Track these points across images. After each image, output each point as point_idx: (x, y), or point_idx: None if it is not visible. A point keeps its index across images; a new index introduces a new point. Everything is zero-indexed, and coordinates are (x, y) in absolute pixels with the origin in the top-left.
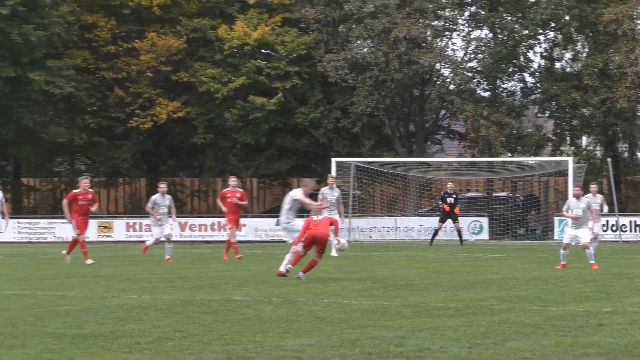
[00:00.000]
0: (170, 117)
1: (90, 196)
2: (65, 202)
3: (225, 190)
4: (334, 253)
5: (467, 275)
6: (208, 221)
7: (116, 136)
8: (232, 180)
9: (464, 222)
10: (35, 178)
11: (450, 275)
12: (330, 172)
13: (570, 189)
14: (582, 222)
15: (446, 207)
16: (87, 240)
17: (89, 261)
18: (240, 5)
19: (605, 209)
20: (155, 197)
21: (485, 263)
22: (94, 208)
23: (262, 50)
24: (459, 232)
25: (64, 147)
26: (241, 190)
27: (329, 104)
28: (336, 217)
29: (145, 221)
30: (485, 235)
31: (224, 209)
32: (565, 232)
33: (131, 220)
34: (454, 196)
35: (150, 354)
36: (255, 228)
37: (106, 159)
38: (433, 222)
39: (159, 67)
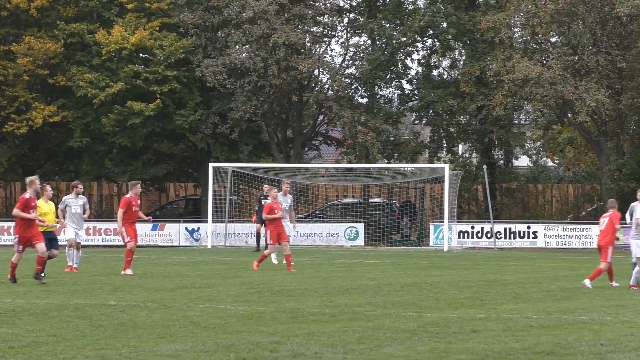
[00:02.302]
0: (46, 121)
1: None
2: (120, 211)
3: (269, 202)
4: (274, 260)
5: (342, 281)
6: (84, 225)
7: None
8: (274, 190)
9: (340, 227)
10: None
11: (325, 281)
12: (208, 177)
13: (447, 196)
14: None
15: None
16: None
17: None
18: (118, 10)
19: None
20: (67, 197)
21: (361, 269)
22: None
23: (140, 55)
24: (260, 235)
25: None
26: (278, 202)
27: (207, 109)
28: (287, 224)
29: None
30: (361, 242)
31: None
32: (632, 246)
33: (5, 224)
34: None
35: (24, 358)
36: None
37: None
38: (309, 227)
39: (36, 70)
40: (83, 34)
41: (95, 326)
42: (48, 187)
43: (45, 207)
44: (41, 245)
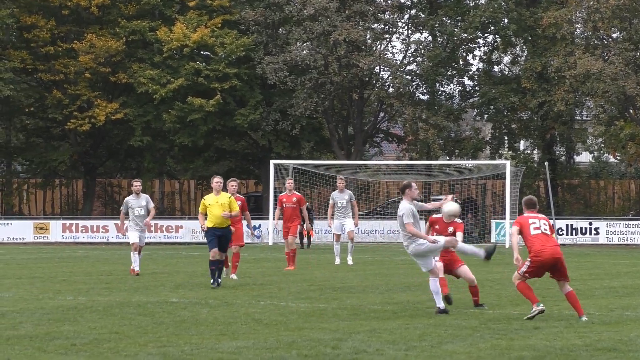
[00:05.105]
0: (108, 118)
1: (294, 199)
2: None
3: (281, 194)
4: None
5: (404, 277)
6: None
7: (54, 137)
8: (290, 182)
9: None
10: None
11: (387, 277)
12: (269, 174)
13: (508, 192)
14: None
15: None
16: (24, 240)
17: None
18: (179, 7)
19: None
20: (128, 198)
21: None
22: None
23: (201, 52)
24: (301, 234)
25: (0, 147)
26: (298, 194)
27: (268, 105)
28: (348, 221)
29: (81, 222)
30: None
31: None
32: None
33: (67, 222)
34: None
35: (86, 355)
36: (192, 230)
37: (43, 160)
38: (370, 224)
39: (98, 68)
40: (144, 31)
41: (157, 323)
42: (214, 179)
43: (211, 199)
44: None
